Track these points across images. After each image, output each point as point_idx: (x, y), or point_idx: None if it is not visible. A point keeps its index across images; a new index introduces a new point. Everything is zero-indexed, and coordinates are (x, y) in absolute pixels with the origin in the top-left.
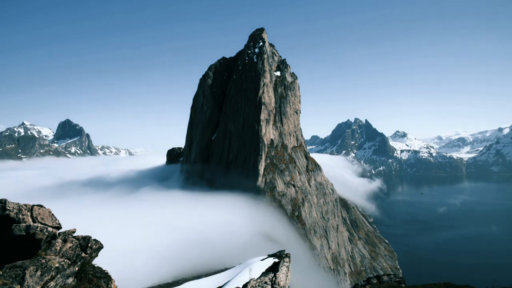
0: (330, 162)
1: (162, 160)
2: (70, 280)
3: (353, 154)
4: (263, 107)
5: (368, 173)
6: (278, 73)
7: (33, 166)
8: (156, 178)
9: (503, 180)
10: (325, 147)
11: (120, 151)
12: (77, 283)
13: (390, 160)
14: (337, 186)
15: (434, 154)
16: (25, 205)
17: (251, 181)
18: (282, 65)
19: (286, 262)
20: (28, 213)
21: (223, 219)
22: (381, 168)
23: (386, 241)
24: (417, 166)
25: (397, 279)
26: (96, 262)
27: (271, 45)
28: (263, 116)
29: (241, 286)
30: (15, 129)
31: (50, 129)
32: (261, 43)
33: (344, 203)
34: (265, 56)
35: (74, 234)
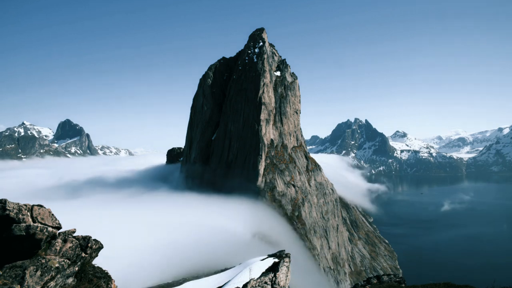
0: (330, 162)
1: (162, 160)
2: (70, 280)
3: (353, 154)
4: (263, 107)
5: (368, 173)
6: (278, 73)
7: (34, 166)
8: (156, 178)
9: (503, 180)
10: (325, 147)
11: (120, 151)
12: (77, 283)
13: (390, 160)
14: (337, 186)
15: (434, 154)
16: (25, 205)
17: (251, 181)
18: (282, 65)
19: (286, 262)
20: (28, 213)
21: (223, 219)
22: (381, 168)
23: (386, 241)
24: (417, 166)
25: (397, 279)
26: (96, 262)
27: (271, 45)
28: (263, 116)
29: (241, 286)
30: (15, 129)
31: (50, 129)
32: (261, 43)
33: (344, 203)
34: (265, 56)
35: (74, 234)
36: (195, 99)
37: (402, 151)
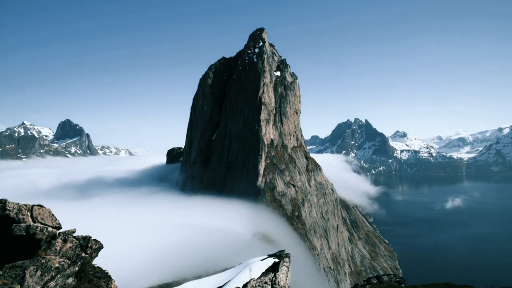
0: (330, 162)
1: (162, 160)
2: (70, 280)
3: (353, 154)
4: (263, 107)
5: (368, 173)
6: (278, 73)
7: (36, 166)
8: (156, 178)
9: (503, 180)
10: (325, 147)
11: (120, 151)
12: (77, 283)
13: (390, 160)
14: (337, 186)
15: (434, 154)
16: (25, 205)
17: (251, 181)
18: (282, 65)
19: (286, 262)
20: (28, 213)
21: (223, 219)
22: (381, 168)
23: (386, 241)
24: (417, 166)
25: (397, 279)
26: (96, 262)
27: (271, 45)
28: (263, 116)
29: (241, 286)
30: (15, 129)
31: (50, 129)
32: (261, 43)
33: (344, 203)
34: (265, 56)
35: (74, 234)
36: (195, 99)
37: (402, 151)
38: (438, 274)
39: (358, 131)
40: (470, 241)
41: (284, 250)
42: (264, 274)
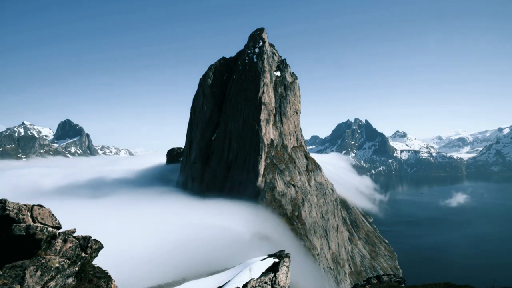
0: (330, 162)
1: (162, 160)
2: (70, 280)
3: (353, 154)
4: (263, 107)
5: (368, 173)
6: (278, 73)
7: (37, 165)
8: (156, 178)
9: (503, 180)
10: (325, 147)
11: (120, 151)
12: (77, 283)
13: (390, 160)
14: (337, 186)
15: (434, 154)
16: (25, 205)
17: (251, 181)
18: (282, 65)
19: (286, 262)
20: (28, 213)
21: (223, 219)
22: (381, 168)
23: (386, 241)
24: (417, 166)
25: (397, 279)
26: (96, 262)
27: (271, 45)
28: (263, 116)
29: (241, 286)
30: (15, 129)
31: (50, 129)
32: (261, 43)
33: (344, 203)
34: (265, 56)
35: (74, 234)
36: (195, 99)
37: (402, 151)
38: (438, 274)
39: (358, 131)
40: (470, 241)
41: (284, 250)
42: (264, 274)
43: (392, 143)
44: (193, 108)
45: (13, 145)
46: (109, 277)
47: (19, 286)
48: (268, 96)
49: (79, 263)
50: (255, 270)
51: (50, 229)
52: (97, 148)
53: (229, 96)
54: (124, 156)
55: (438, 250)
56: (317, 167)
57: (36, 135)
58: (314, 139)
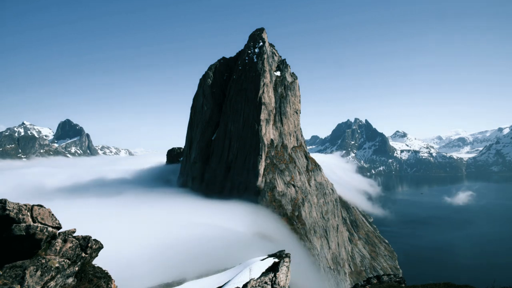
0: (330, 162)
1: (162, 160)
2: (70, 280)
3: (353, 154)
4: (263, 107)
5: (368, 173)
6: (278, 73)
7: (36, 165)
8: (156, 178)
9: (503, 180)
10: (325, 147)
11: (120, 151)
12: (77, 283)
13: (390, 160)
14: (337, 186)
15: (434, 154)
16: (25, 205)
17: (251, 181)
18: (282, 65)
19: (286, 262)
20: (28, 213)
21: (223, 219)
22: (381, 168)
23: (386, 241)
24: (417, 166)
25: (397, 279)
26: (96, 262)
27: (271, 45)
28: (263, 116)
29: (241, 286)
30: (15, 129)
31: (50, 129)
32: (261, 43)
33: (344, 203)
34: (265, 56)
35: (74, 234)
36: (195, 99)
37: (402, 151)
38: (438, 274)
39: (358, 131)
40: (470, 241)
41: (284, 250)
42: (264, 274)
43: (392, 143)
44: (193, 108)
45: (13, 145)
46: (109, 277)
47: (19, 286)
48: (268, 96)
49: (79, 263)
50: (255, 270)
51: (50, 229)
52: (97, 148)
53: (229, 96)
54: (124, 156)
55: (438, 250)
56: (317, 167)
57: (36, 135)
58: (314, 139)
